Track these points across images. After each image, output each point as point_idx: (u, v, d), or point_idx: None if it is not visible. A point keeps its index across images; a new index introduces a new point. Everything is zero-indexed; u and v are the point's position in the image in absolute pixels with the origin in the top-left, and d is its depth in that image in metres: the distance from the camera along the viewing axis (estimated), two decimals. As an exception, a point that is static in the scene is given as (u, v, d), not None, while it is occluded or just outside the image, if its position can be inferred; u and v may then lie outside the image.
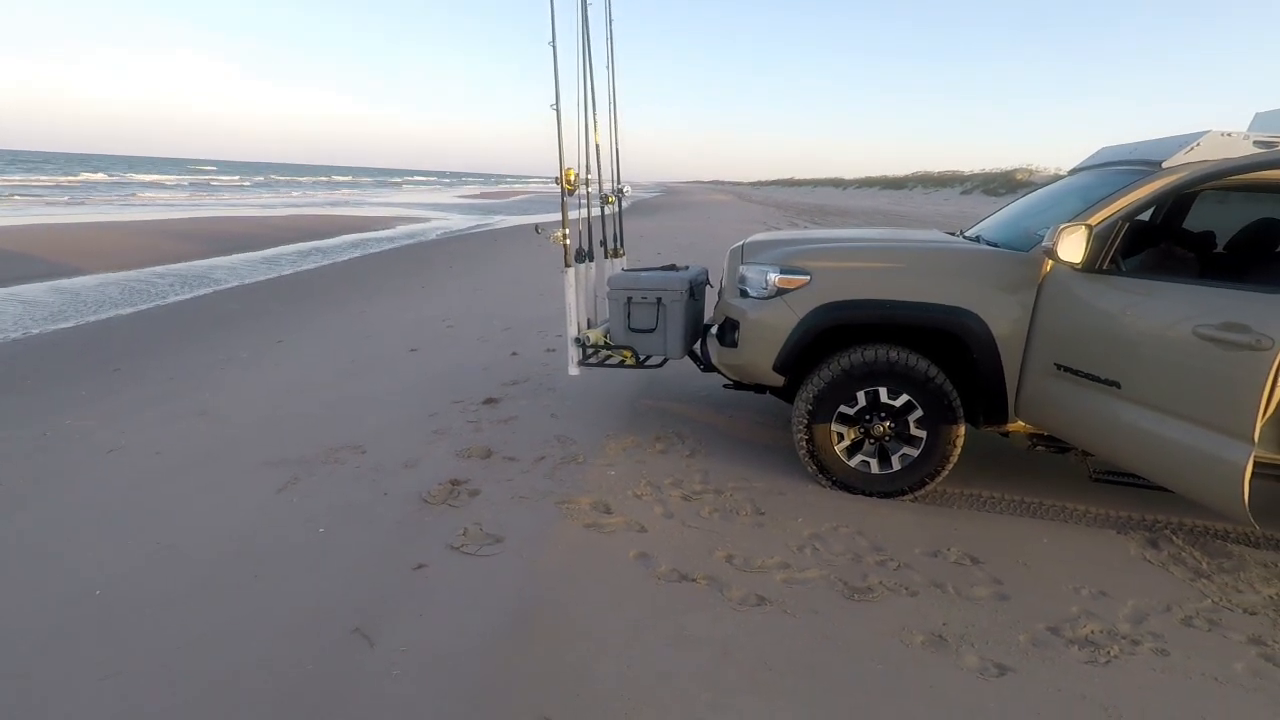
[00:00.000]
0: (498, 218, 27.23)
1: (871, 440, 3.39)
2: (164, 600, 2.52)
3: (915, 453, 3.32)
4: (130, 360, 6.04)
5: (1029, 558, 2.91)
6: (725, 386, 4.05)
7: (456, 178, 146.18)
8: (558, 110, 3.72)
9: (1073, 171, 4.08)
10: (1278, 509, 3.12)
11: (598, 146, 4.37)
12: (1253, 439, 2.29)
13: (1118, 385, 2.73)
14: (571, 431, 4.17)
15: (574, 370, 4.11)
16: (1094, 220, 2.91)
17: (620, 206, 4.86)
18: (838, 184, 69.09)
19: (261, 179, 64.65)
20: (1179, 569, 2.86)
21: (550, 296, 8.10)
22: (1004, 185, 37.13)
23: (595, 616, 2.44)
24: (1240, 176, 2.74)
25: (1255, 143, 2.96)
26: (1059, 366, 2.97)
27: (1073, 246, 2.71)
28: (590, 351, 4.15)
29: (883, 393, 3.30)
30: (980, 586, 2.69)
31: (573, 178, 3.88)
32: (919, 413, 3.28)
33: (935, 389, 3.23)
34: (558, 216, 3.95)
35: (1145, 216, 3.90)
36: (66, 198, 28.95)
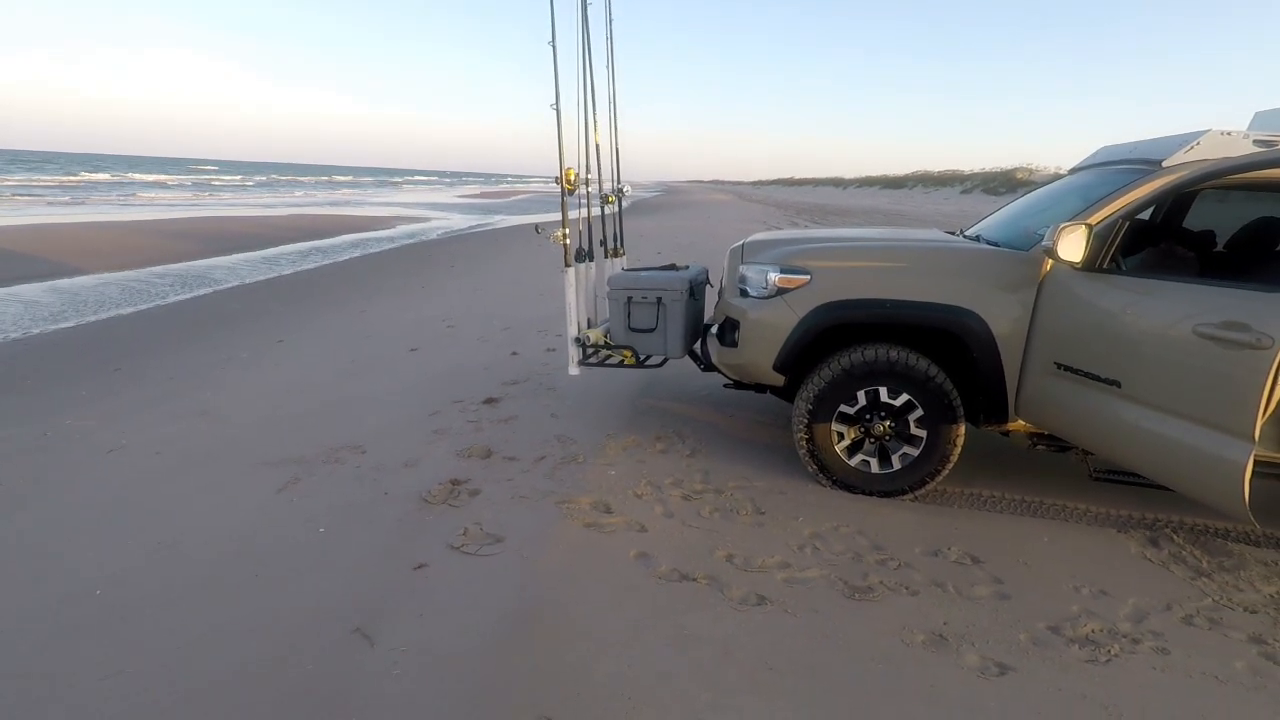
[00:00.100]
0: (498, 217, 27.24)
1: (872, 440, 3.39)
2: (164, 600, 2.52)
3: (915, 452, 3.32)
4: (130, 360, 6.04)
5: (1029, 557, 2.91)
6: (725, 386, 4.04)
7: (457, 177, 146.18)
8: (558, 110, 3.72)
9: (1073, 171, 4.08)
10: (1278, 507, 3.12)
11: (598, 146, 4.38)
12: (1253, 437, 2.29)
13: (1118, 384, 2.72)
14: (572, 431, 4.18)
15: (574, 370, 4.11)
16: (1094, 219, 2.91)
17: (620, 206, 4.86)
18: (838, 183, 69.08)
19: (263, 179, 64.67)
20: (1179, 568, 2.86)
21: (550, 296, 8.10)
22: (1004, 184, 37.11)
23: (595, 616, 2.44)
24: (1240, 175, 2.74)
25: (1255, 142, 2.96)
26: (1059, 365, 2.97)
27: (1073, 245, 2.71)
28: (590, 351, 4.15)
29: (883, 392, 3.30)
30: (981, 586, 2.69)
31: (573, 177, 3.88)
32: (919, 412, 3.28)
33: (935, 388, 3.23)
34: (558, 216, 3.95)
35: (1145, 215, 3.90)
36: (67, 197, 28.97)
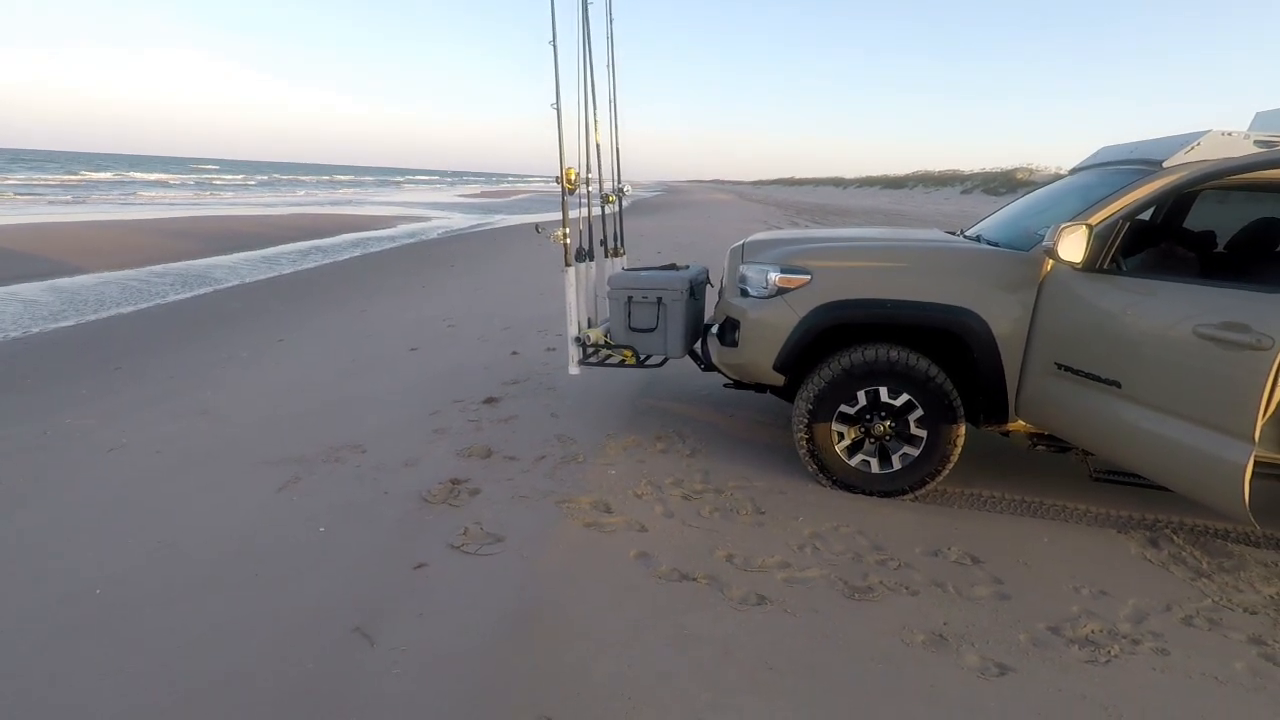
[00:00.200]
0: (498, 217, 27.24)
1: (872, 440, 3.39)
2: (164, 599, 2.52)
3: (916, 452, 3.32)
4: (130, 359, 6.05)
5: (1029, 557, 2.91)
6: (726, 386, 4.04)
7: (458, 177, 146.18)
8: (558, 109, 3.72)
9: (1073, 171, 4.08)
10: (1278, 508, 3.12)
11: (598, 145, 4.38)
12: (1253, 438, 2.29)
13: (1118, 385, 2.72)
14: (572, 431, 4.18)
15: (574, 369, 4.11)
16: (1094, 220, 2.91)
17: (620, 205, 4.86)
18: (838, 183, 69.08)
19: (264, 178, 64.70)
20: (1179, 568, 2.86)
21: (551, 296, 8.09)
22: (1004, 185, 37.10)
23: (595, 616, 2.44)
24: (1241, 176, 2.73)
25: (1256, 142, 2.96)
26: (1059, 366, 2.96)
27: (1073, 246, 2.71)
28: (590, 351, 4.15)
29: (883, 392, 3.30)
30: (981, 586, 2.69)
31: (573, 177, 3.88)
32: (919, 412, 3.28)
33: (936, 388, 3.23)
34: (558, 216, 3.95)
35: (1146, 216, 3.90)
36: (69, 196, 28.99)
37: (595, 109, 4.27)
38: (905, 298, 3.22)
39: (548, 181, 3.99)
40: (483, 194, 53.30)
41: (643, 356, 4.08)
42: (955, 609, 2.54)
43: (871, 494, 3.40)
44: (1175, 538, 3.08)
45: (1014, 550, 2.96)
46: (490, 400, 4.72)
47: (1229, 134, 3.00)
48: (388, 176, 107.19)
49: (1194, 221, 4.02)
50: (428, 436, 4.07)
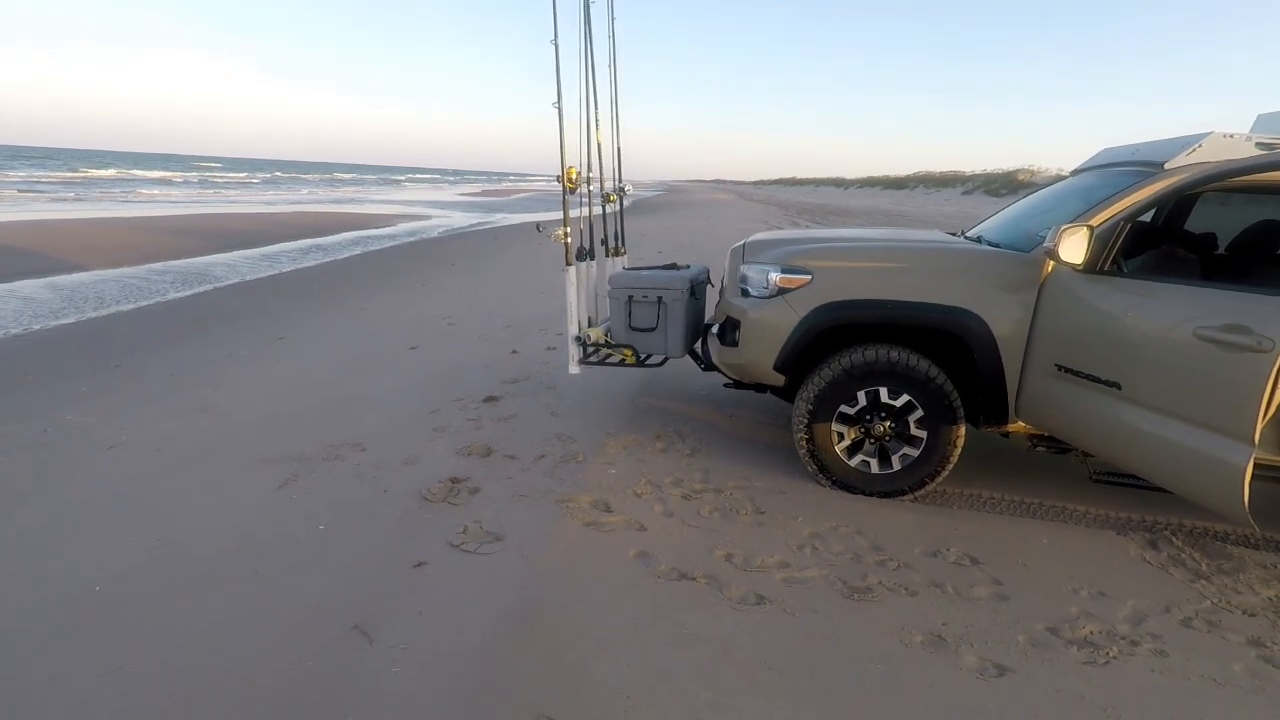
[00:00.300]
0: (499, 215, 27.23)
1: (872, 440, 3.39)
2: (164, 597, 2.52)
3: (915, 453, 3.32)
4: (131, 356, 6.05)
5: (1029, 558, 2.91)
6: (726, 386, 4.04)
7: (459, 175, 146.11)
8: (560, 108, 3.72)
9: (1075, 172, 4.08)
10: (1277, 511, 3.12)
11: (599, 145, 4.38)
12: (1253, 441, 2.29)
13: (1118, 386, 2.72)
14: (572, 430, 4.18)
15: (574, 369, 4.12)
16: (1096, 221, 2.91)
17: (621, 205, 4.86)
18: (839, 184, 69.04)
19: (266, 176, 64.70)
20: (1178, 570, 2.86)
21: (551, 295, 8.09)
22: (1005, 186, 37.08)
23: (595, 615, 2.44)
24: (1242, 178, 2.74)
25: (1257, 144, 2.96)
26: (1060, 367, 2.97)
27: (1074, 247, 2.71)
28: (591, 350, 4.15)
29: (883, 392, 3.30)
30: (980, 587, 2.70)
31: (574, 176, 3.88)
32: (919, 413, 3.28)
33: (936, 389, 3.23)
34: (559, 215, 3.95)
35: (1147, 218, 3.90)
36: (71, 194, 28.96)
37: (596, 108, 4.27)
38: (906, 298, 3.22)
39: (549, 180, 3.99)
40: (484, 193, 53.30)
41: (643, 356, 4.08)
42: (954, 610, 2.54)
43: (871, 494, 3.40)
44: (1174, 539, 3.08)
45: (1013, 551, 2.96)
46: (490, 399, 4.72)
47: (1230, 136, 3.00)
48: (389, 175, 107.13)
49: (1195, 224, 4.02)
50: (428, 435, 4.07)
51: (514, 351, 6.01)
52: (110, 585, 2.59)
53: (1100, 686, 2.17)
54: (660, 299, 3.86)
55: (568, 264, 3.99)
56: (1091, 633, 2.43)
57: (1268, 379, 2.25)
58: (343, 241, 16.15)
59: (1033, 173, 37.96)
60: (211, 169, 78.07)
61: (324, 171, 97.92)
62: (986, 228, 4.09)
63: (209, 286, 9.90)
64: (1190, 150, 2.99)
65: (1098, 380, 2.80)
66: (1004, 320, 3.10)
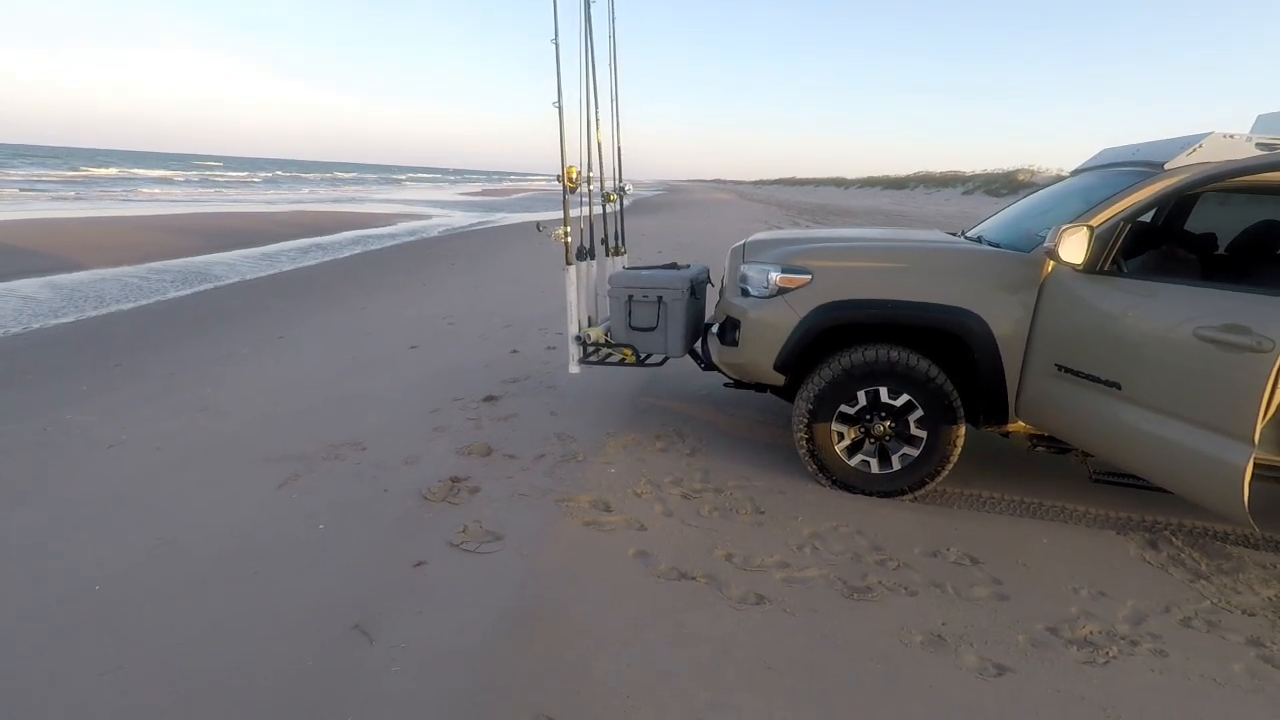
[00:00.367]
0: (500, 215, 27.23)
1: (872, 440, 3.39)
2: (164, 596, 2.52)
3: (915, 452, 3.33)
4: (130, 355, 6.05)
5: (1028, 558, 2.91)
6: (726, 385, 4.04)
7: (460, 174, 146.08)
8: (560, 108, 3.72)
9: (1075, 172, 4.08)
10: (1277, 511, 3.12)
11: (600, 144, 4.37)
12: (1253, 440, 2.29)
13: (1118, 386, 2.73)
14: (572, 429, 4.18)
15: (574, 368, 4.12)
16: (1096, 221, 2.91)
17: (621, 204, 4.86)
18: (839, 183, 69.02)
19: (268, 175, 64.69)
20: (1178, 570, 2.86)
21: (551, 294, 8.09)
22: (1006, 186, 37.07)
23: (595, 614, 2.44)
24: (1242, 179, 2.74)
25: (1257, 145, 2.96)
26: (1060, 367, 2.97)
27: (1074, 247, 2.71)
28: (591, 349, 4.15)
29: (883, 392, 3.30)
30: (979, 586, 2.70)
31: (574, 175, 3.88)
32: (919, 413, 3.28)
33: (936, 389, 3.23)
34: (559, 214, 3.95)
35: (1147, 218, 3.90)
36: (72, 193, 28.95)
37: (597, 108, 4.27)
38: (906, 298, 3.22)
39: (549, 180, 3.99)
40: (484, 192, 53.30)
41: (643, 355, 4.08)
42: (954, 609, 2.54)
43: (871, 494, 3.40)
44: (1174, 539, 3.08)
45: (1013, 551, 2.96)
46: (490, 398, 4.72)
47: (1231, 136, 3.00)
48: (390, 174, 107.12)
49: (1195, 224, 4.02)
50: (428, 434, 4.07)
51: (514, 351, 6.01)
52: (110, 584, 2.59)
53: (1100, 686, 2.17)
54: (660, 298, 3.86)
55: (568, 263, 3.99)
56: (1091, 632, 2.43)
57: (1267, 379, 2.25)
58: (343, 240, 16.15)
59: (1033, 173, 37.96)
60: (212, 168, 78.03)
61: (325, 170, 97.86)
62: (987, 228, 4.09)
63: (209, 285, 9.90)
64: (1190, 150, 2.99)
65: (1098, 380, 2.80)
66: (1004, 320, 3.10)
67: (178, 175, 52.67)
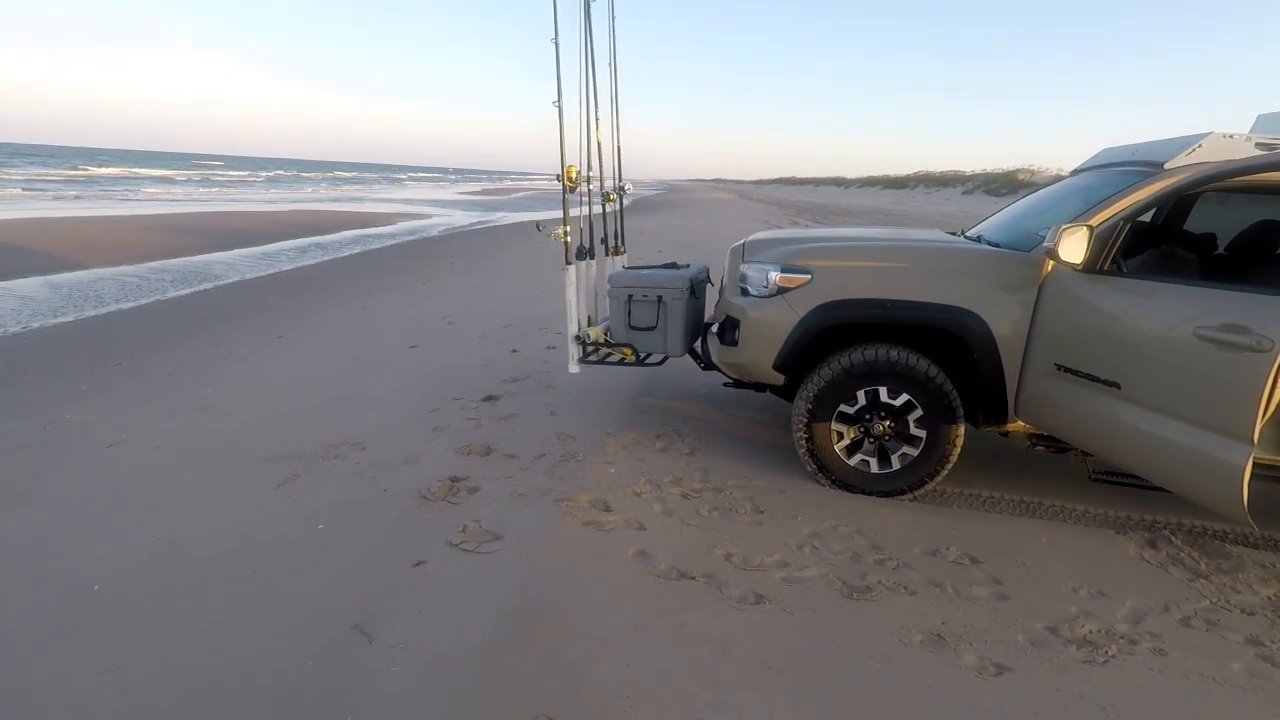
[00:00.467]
0: (499, 214, 27.24)
1: (871, 439, 3.39)
2: (163, 596, 2.52)
3: (915, 452, 3.33)
4: (130, 355, 6.05)
5: (1028, 557, 2.91)
6: (725, 385, 4.05)
7: (460, 174, 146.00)
8: (560, 107, 3.72)
9: (1074, 172, 4.08)
10: (1276, 510, 3.12)
11: (599, 144, 4.37)
12: (1252, 440, 2.29)
13: (1118, 386, 2.73)
14: (571, 429, 4.18)
15: (574, 368, 4.12)
16: (1095, 221, 2.91)
17: (621, 204, 4.86)
18: (839, 183, 68.99)
19: (269, 174, 64.68)
20: (1177, 569, 2.86)
21: (551, 294, 8.09)
22: (1005, 185, 37.06)
23: (594, 614, 2.44)
24: (1242, 178, 2.74)
25: (1257, 145, 2.96)
26: (1059, 367, 2.97)
27: (1074, 247, 2.71)
28: (590, 349, 4.15)
29: (883, 392, 3.30)
30: (979, 586, 2.70)
31: (574, 175, 3.88)
32: (919, 412, 3.28)
33: (935, 388, 3.23)
34: (559, 214, 3.95)
35: (1146, 218, 3.90)
36: (74, 192, 28.95)
37: (596, 107, 4.27)
38: (905, 298, 3.22)
39: (549, 179, 3.99)
40: (484, 191, 53.30)
41: (642, 355, 4.08)
42: (953, 609, 2.54)
43: (870, 494, 3.40)
44: (1173, 539, 3.08)
45: (1012, 550, 2.96)
46: (490, 398, 4.72)
47: (1230, 136, 3.00)
48: (390, 173, 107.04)
49: (1195, 223, 4.02)
50: (427, 434, 4.07)
51: (514, 350, 6.01)
52: (110, 584, 2.59)
53: (1099, 685, 2.17)
54: (660, 298, 3.86)
55: (567, 263, 3.99)
56: (1091, 632, 2.43)
57: (1267, 378, 2.25)
58: (343, 240, 16.16)
59: (1033, 172, 37.94)
60: (213, 167, 77.98)
61: (325, 170, 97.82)
62: (986, 227, 4.09)
63: (209, 285, 9.90)
64: (1190, 150, 2.99)
65: (1097, 380, 2.80)
66: (1003, 320, 3.10)
67: (179, 175, 52.64)
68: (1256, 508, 2.41)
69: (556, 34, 3.68)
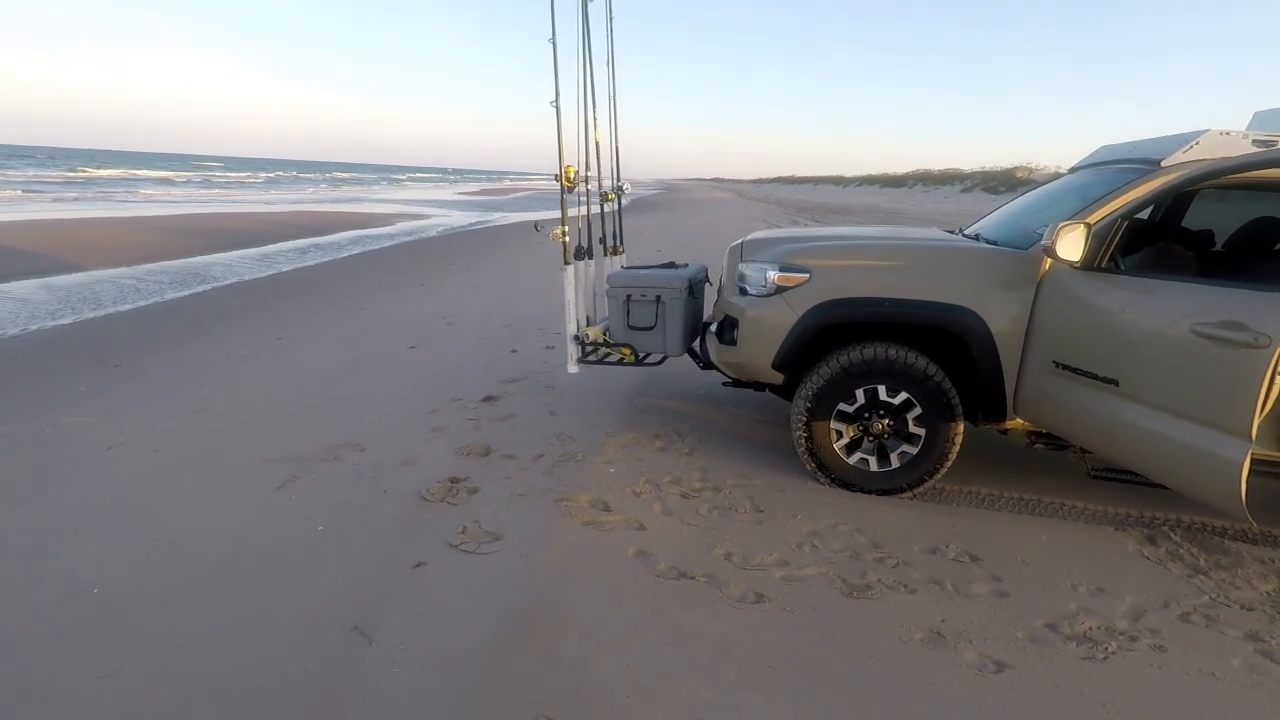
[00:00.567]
0: (498, 214, 27.21)
1: (870, 438, 3.39)
2: (163, 598, 2.52)
3: (914, 450, 3.33)
4: (129, 357, 6.04)
5: (1027, 555, 2.92)
6: (724, 384, 4.05)
7: (458, 174, 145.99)
8: (557, 107, 3.72)
9: (1072, 170, 4.08)
10: (1275, 506, 3.13)
11: (597, 143, 4.37)
12: (1250, 436, 2.29)
13: (1116, 383, 2.73)
14: (570, 429, 4.18)
15: (573, 368, 4.12)
16: (1093, 218, 2.91)
17: (620, 204, 4.86)
18: (838, 182, 68.98)
19: (268, 175, 64.66)
20: (1177, 565, 2.86)
21: (550, 294, 8.09)
22: (1004, 183, 37.06)
23: (594, 614, 2.44)
24: (1239, 175, 2.74)
25: (1254, 141, 2.96)
26: (1057, 364, 2.97)
27: (1072, 245, 2.71)
28: (589, 349, 4.15)
29: (882, 390, 3.30)
30: (979, 583, 2.70)
31: (572, 175, 3.87)
32: (918, 410, 3.28)
33: (934, 387, 3.23)
34: (557, 214, 3.95)
35: (1144, 215, 3.90)
36: (74, 194, 28.91)
37: (594, 107, 4.27)
38: (904, 296, 3.22)
39: (547, 179, 3.99)
40: (482, 191, 53.27)
41: (641, 355, 4.08)
42: (953, 606, 2.55)
43: (870, 492, 3.40)
44: (1173, 535, 3.09)
45: (1012, 548, 2.97)
46: (489, 398, 4.72)
47: (1227, 133, 3.00)
48: (389, 174, 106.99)
49: (1192, 220, 4.03)
50: (426, 435, 4.07)
51: (513, 351, 6.01)
52: (109, 586, 2.59)
53: (1099, 682, 2.17)
54: (659, 298, 3.86)
55: (566, 263, 3.99)
56: (1090, 628, 2.43)
57: (1264, 375, 2.26)
58: (342, 241, 16.13)
59: (1031, 170, 37.94)
60: (213, 168, 77.90)
61: (325, 171, 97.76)
62: (984, 225, 4.09)
63: (207, 286, 9.89)
64: (1187, 147, 2.99)
65: (1095, 377, 2.80)
66: (1002, 318, 3.10)
67: (178, 176, 52.56)
68: (1255, 503, 2.41)
69: (554, 34, 3.68)
